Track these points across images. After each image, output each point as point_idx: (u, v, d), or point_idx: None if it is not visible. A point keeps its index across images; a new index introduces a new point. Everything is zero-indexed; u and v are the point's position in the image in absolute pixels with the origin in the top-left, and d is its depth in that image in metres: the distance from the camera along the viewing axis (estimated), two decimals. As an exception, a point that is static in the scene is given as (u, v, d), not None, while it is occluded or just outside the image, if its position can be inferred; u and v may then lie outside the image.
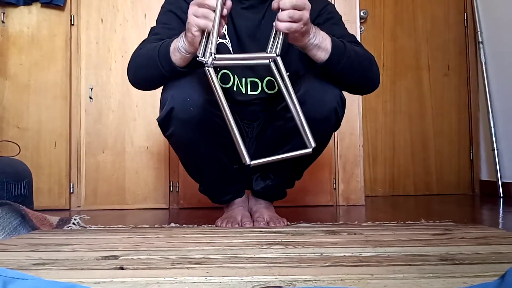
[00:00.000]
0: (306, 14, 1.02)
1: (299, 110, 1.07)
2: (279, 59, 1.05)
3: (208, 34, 1.01)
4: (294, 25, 1.01)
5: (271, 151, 1.31)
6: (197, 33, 1.02)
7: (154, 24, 1.34)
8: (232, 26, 1.33)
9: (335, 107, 1.21)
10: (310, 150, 1.08)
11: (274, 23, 1.03)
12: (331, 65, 1.13)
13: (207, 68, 1.01)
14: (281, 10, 1.01)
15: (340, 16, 1.39)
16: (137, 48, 1.26)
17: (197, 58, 1.03)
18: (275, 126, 1.30)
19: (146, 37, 1.31)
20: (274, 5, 1.03)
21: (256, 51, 1.07)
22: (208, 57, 1.00)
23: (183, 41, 1.08)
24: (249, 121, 1.41)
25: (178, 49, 1.10)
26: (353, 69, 1.16)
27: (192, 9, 1.02)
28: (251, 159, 1.42)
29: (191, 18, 1.02)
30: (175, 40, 1.12)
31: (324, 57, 1.11)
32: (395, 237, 1.05)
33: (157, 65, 1.14)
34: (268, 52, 1.06)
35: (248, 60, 1.13)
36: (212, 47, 1.01)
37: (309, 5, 1.03)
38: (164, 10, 1.35)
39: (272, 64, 1.06)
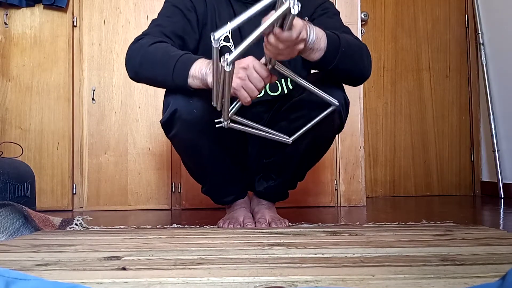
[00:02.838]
0: (298, 47, 0.99)
1: (313, 88, 1.13)
2: (277, 66, 1.06)
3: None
4: (282, 57, 1.00)
5: (276, 152, 1.32)
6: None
7: (151, 20, 1.32)
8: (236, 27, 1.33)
9: (339, 110, 1.21)
10: (337, 104, 1.17)
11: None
12: (325, 62, 1.10)
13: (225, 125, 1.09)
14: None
15: (338, 11, 1.38)
16: (140, 40, 1.21)
17: (216, 123, 1.09)
18: (279, 127, 1.30)
19: (148, 28, 1.29)
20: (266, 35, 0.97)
21: (260, 52, 1.07)
22: (226, 122, 1.08)
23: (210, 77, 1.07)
24: (253, 122, 1.41)
25: (203, 81, 1.09)
26: (346, 63, 1.13)
27: (245, 72, 1.04)
28: (258, 156, 1.44)
29: (239, 82, 1.04)
30: (200, 68, 1.09)
31: (318, 57, 1.08)
32: (396, 238, 1.05)
33: (170, 78, 1.13)
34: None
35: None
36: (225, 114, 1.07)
37: (303, 35, 0.97)
38: (167, 4, 1.34)
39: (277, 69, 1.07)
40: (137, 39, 1.22)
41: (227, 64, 0.90)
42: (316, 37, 1.04)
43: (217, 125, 1.09)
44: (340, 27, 1.29)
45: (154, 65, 1.16)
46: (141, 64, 1.18)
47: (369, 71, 1.22)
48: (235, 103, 1.11)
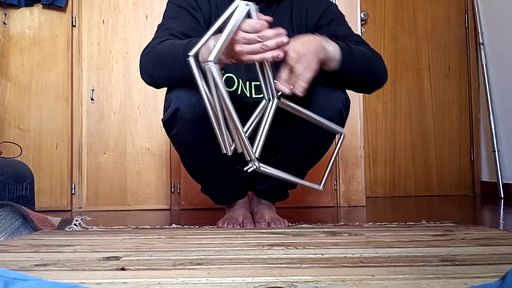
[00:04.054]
0: (319, 56, 1.03)
1: (313, 116, 1.12)
2: (275, 102, 1.07)
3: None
4: (306, 71, 1.02)
5: (276, 151, 1.32)
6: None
7: (157, 26, 1.30)
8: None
9: (340, 108, 1.21)
10: (343, 131, 1.17)
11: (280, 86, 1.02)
12: (342, 71, 1.13)
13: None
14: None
15: (343, 15, 1.39)
16: (150, 44, 1.20)
17: (246, 168, 1.01)
18: (281, 127, 1.30)
19: (148, 38, 1.29)
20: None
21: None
22: (255, 162, 1.00)
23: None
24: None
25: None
26: (361, 71, 1.17)
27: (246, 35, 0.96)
28: (258, 156, 1.42)
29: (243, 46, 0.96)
30: (207, 44, 1.03)
31: (334, 67, 1.11)
32: (396, 238, 1.05)
33: (182, 67, 1.07)
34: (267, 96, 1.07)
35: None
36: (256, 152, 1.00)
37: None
38: (171, 5, 1.31)
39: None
40: (146, 46, 1.21)
41: (213, 62, 0.88)
42: (331, 46, 1.09)
43: (248, 170, 1.01)
44: (351, 34, 1.32)
45: (165, 63, 1.14)
46: (154, 66, 1.17)
47: (385, 78, 1.26)
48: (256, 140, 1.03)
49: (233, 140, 0.97)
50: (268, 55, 0.97)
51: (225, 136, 0.97)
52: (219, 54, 0.90)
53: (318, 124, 1.13)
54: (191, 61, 0.91)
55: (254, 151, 0.99)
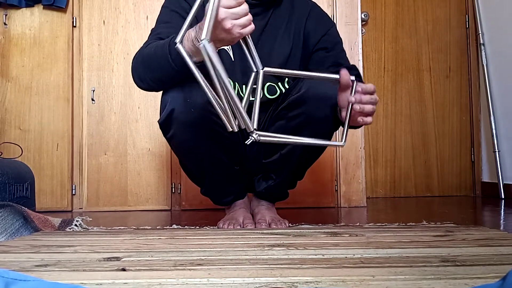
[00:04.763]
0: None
1: (312, 73, 1.12)
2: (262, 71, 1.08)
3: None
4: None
5: (274, 150, 1.32)
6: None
7: (150, 30, 1.31)
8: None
9: (335, 105, 1.21)
10: (338, 77, 1.13)
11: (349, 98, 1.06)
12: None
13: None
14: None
15: (341, 38, 1.42)
16: (139, 49, 1.21)
17: (246, 142, 1.01)
18: (277, 126, 1.30)
19: (148, 39, 1.29)
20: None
21: (259, 57, 1.07)
22: (255, 134, 0.99)
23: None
24: None
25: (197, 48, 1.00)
26: None
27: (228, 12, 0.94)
28: (257, 157, 1.41)
29: (229, 22, 0.94)
30: (188, 37, 1.02)
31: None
32: (397, 239, 1.05)
33: (169, 63, 1.08)
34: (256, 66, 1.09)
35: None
36: (254, 123, 1.00)
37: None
38: (165, 9, 1.32)
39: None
40: (137, 52, 1.22)
41: (207, 41, 0.85)
42: None
43: (248, 142, 1.01)
44: (351, 65, 1.36)
45: (153, 63, 1.14)
46: (143, 69, 1.17)
47: None
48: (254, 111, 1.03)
49: (235, 117, 0.96)
50: (253, 25, 0.97)
51: (229, 114, 0.96)
52: (210, 32, 0.88)
53: (313, 78, 1.14)
54: (179, 47, 0.90)
55: (252, 123, 0.99)
